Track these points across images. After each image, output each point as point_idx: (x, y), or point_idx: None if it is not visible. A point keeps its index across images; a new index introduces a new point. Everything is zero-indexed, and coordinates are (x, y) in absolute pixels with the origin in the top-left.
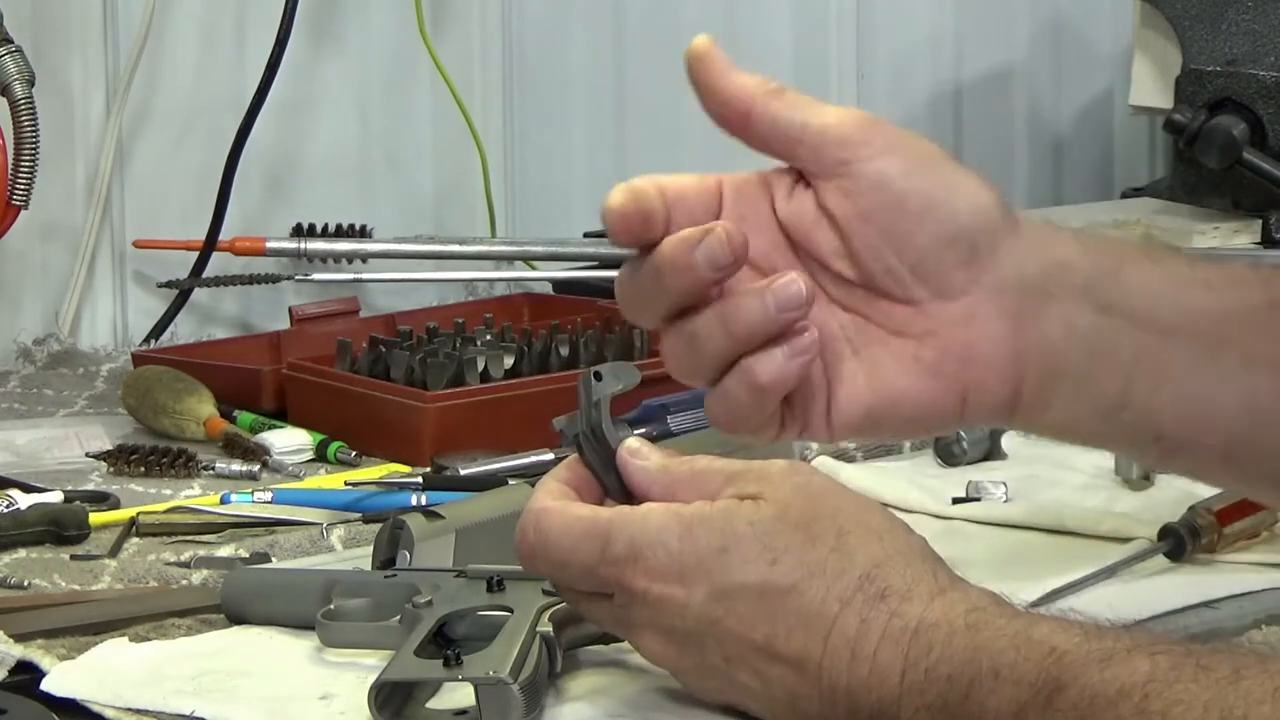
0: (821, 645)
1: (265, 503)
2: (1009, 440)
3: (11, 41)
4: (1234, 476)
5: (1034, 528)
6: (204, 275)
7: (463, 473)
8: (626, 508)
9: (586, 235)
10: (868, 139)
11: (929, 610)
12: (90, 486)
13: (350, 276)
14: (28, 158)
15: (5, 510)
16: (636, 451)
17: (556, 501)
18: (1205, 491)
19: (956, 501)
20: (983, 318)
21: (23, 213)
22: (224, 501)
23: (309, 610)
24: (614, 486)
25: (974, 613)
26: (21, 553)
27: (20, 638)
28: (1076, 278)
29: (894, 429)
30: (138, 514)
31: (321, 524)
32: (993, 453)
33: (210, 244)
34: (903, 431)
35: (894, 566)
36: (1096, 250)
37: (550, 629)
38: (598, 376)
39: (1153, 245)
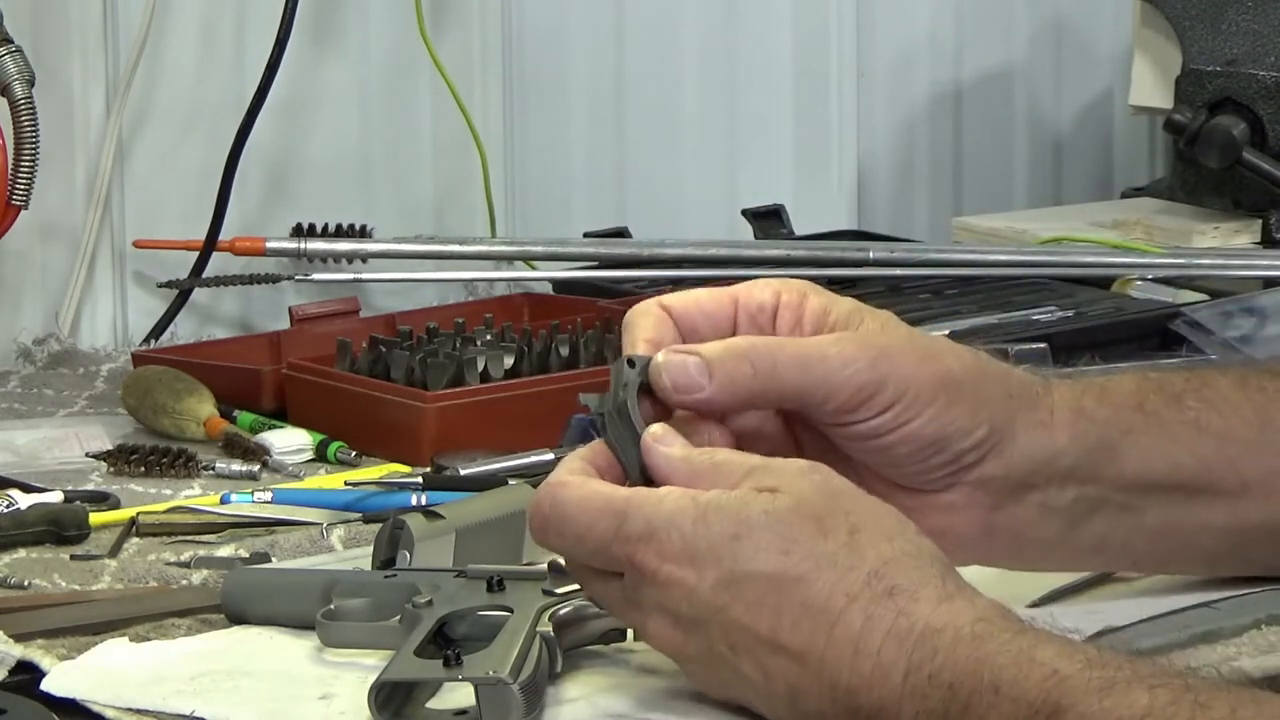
0: (825, 638)
1: (265, 503)
2: None
3: (11, 41)
4: (1223, 574)
5: None
6: (204, 275)
7: (463, 473)
8: (644, 489)
9: (586, 235)
10: (870, 396)
11: (935, 614)
12: (90, 486)
13: (350, 276)
14: (28, 158)
15: (5, 510)
16: (661, 438)
17: (575, 477)
18: None
19: None
20: (961, 507)
21: (23, 213)
22: (224, 501)
23: (309, 610)
24: (634, 467)
25: (980, 623)
26: (21, 553)
27: (20, 638)
28: (1062, 466)
29: None
30: (138, 514)
31: (321, 524)
32: None
33: (210, 244)
34: None
35: (903, 566)
36: (1095, 432)
37: (550, 629)
38: (631, 363)
39: (1149, 394)
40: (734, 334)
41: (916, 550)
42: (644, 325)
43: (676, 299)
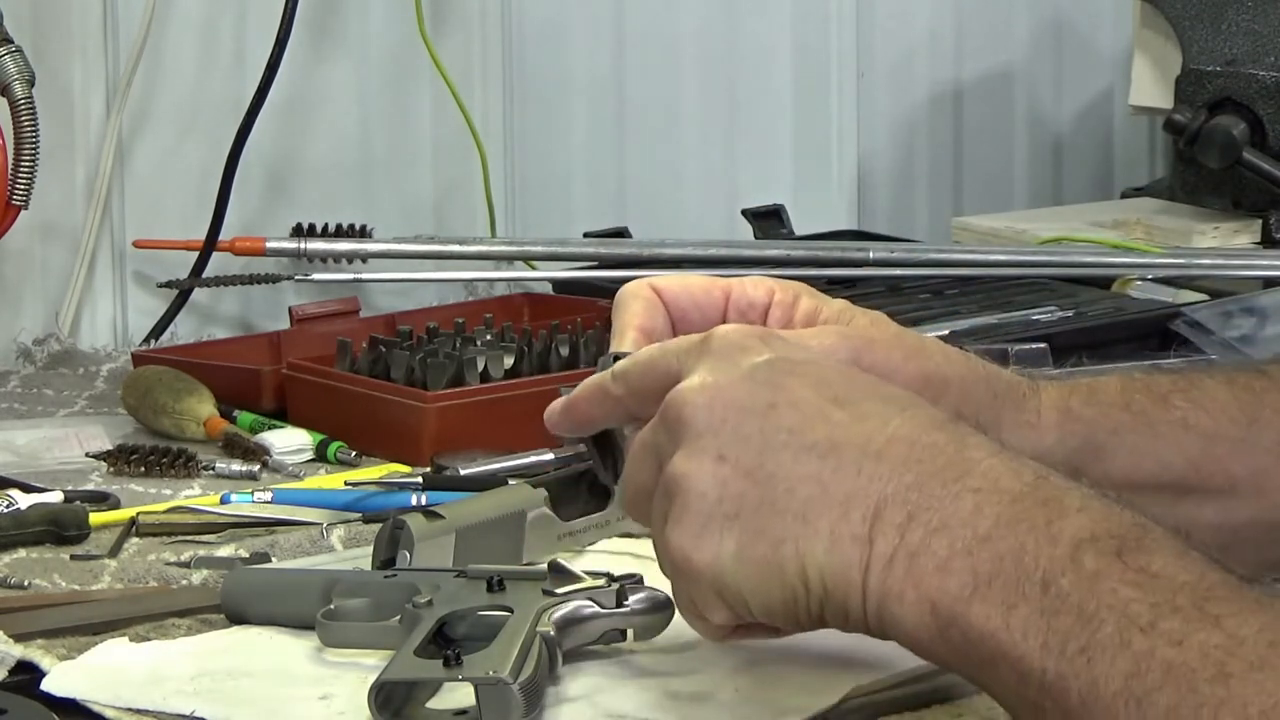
0: (841, 506)
1: (265, 503)
2: None
3: (11, 41)
4: None
5: None
6: (204, 275)
7: (463, 473)
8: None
9: (586, 235)
10: None
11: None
12: (90, 486)
13: (350, 276)
14: (28, 158)
15: (5, 510)
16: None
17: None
18: None
19: None
20: None
21: (23, 213)
22: (224, 501)
23: (309, 610)
24: (607, 468)
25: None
26: (21, 553)
27: (20, 638)
28: (1050, 463)
29: None
30: (138, 514)
31: (321, 524)
32: None
33: (210, 244)
34: None
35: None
36: (1082, 431)
37: (550, 629)
38: (617, 359)
39: (1136, 394)
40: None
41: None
42: (634, 310)
43: (669, 282)
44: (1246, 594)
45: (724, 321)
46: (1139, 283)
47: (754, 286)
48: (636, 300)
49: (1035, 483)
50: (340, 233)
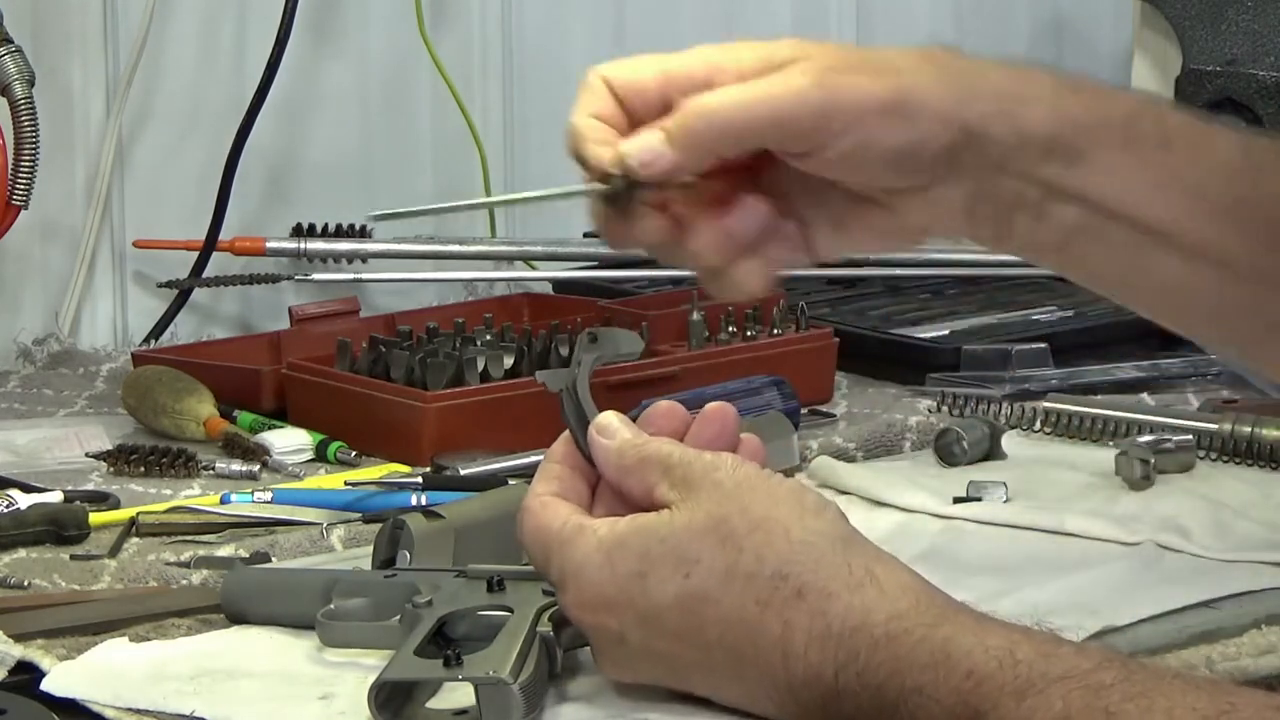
0: (752, 649)
1: (265, 503)
2: (1009, 440)
3: (11, 41)
4: (1161, 324)
5: (1034, 528)
6: (204, 275)
7: (463, 473)
8: (570, 525)
9: (586, 235)
10: (826, 121)
11: (850, 612)
12: (90, 486)
13: (350, 276)
14: (28, 158)
15: (5, 510)
16: (605, 429)
17: (536, 500)
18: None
19: (957, 501)
20: (941, 200)
21: (23, 213)
22: (224, 501)
23: (309, 610)
24: (586, 448)
25: (893, 620)
26: (21, 553)
27: (20, 638)
28: (1031, 155)
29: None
30: (138, 514)
31: (321, 524)
32: (993, 453)
33: (210, 244)
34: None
35: (804, 562)
36: (1069, 131)
37: (550, 629)
38: (592, 338)
39: (1142, 121)
40: (671, 106)
41: (817, 535)
42: (586, 100)
43: (617, 71)
44: None
45: (668, 103)
46: None
47: (693, 60)
48: (586, 90)
49: None
50: (340, 233)
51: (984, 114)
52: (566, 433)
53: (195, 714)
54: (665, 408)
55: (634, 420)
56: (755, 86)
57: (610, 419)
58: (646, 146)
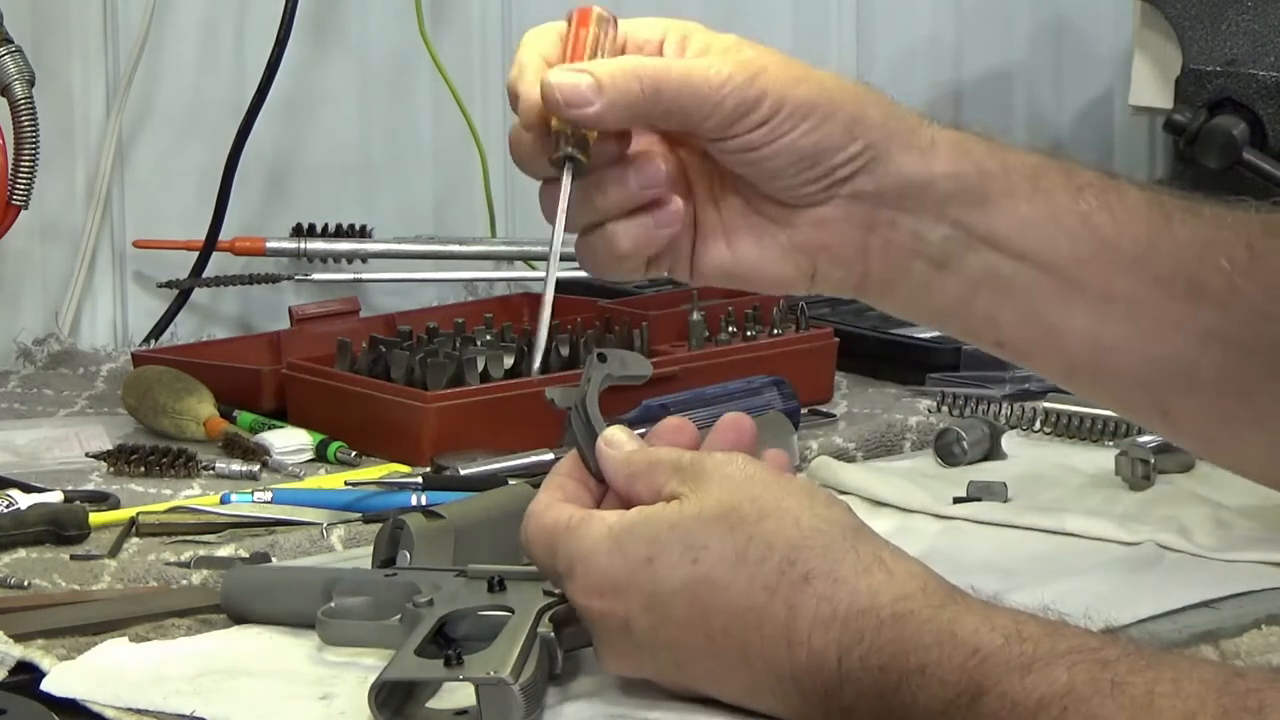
0: (758, 635)
1: (265, 503)
2: (1009, 440)
3: (11, 41)
4: (1077, 390)
5: (1034, 528)
6: (204, 275)
7: (463, 473)
8: (576, 516)
9: None
10: (748, 111)
11: (856, 595)
12: (90, 486)
13: (350, 276)
14: (28, 158)
15: (5, 510)
16: (611, 440)
17: (540, 504)
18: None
19: (957, 501)
20: (836, 221)
21: (23, 213)
22: (224, 501)
23: (309, 609)
24: (594, 465)
25: (900, 601)
26: (21, 553)
27: (20, 638)
28: (935, 195)
29: (748, 287)
30: (138, 514)
31: (321, 524)
32: (993, 453)
33: (210, 244)
34: (757, 288)
35: (813, 548)
36: (975, 174)
37: (551, 630)
38: (601, 358)
39: (1050, 174)
40: None
41: (826, 524)
42: (537, 39)
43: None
44: None
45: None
46: None
47: (648, 28)
48: (540, 33)
49: None
50: (340, 233)
51: (892, 139)
52: (573, 451)
53: (195, 714)
54: (675, 424)
55: (635, 421)
56: (691, 62)
57: (618, 433)
58: (573, 85)
